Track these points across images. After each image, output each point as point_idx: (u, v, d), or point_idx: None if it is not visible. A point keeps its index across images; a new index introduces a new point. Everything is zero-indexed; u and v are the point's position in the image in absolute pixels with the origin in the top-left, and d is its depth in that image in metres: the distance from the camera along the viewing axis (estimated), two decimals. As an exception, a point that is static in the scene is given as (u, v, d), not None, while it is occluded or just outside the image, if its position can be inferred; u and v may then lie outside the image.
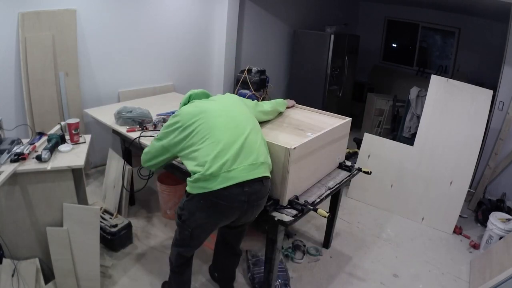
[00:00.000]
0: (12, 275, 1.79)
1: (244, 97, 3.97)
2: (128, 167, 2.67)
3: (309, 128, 2.06)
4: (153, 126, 2.54)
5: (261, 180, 1.61)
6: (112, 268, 2.27)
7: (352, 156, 3.60)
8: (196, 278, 2.26)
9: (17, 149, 1.82)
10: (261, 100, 4.15)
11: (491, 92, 2.93)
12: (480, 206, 3.26)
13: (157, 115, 2.69)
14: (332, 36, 4.61)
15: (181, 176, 2.21)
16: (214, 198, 1.54)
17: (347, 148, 2.39)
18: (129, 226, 2.49)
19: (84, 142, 2.10)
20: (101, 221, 2.38)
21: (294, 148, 1.68)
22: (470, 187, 3.22)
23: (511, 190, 3.30)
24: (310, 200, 1.87)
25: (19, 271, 1.82)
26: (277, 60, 5.25)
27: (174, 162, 2.18)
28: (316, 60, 4.80)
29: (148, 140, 2.35)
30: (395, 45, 6.49)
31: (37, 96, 2.89)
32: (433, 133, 3.08)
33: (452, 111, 3.02)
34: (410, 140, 3.50)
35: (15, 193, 1.79)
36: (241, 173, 1.54)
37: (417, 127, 3.31)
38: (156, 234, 2.67)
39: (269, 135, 1.89)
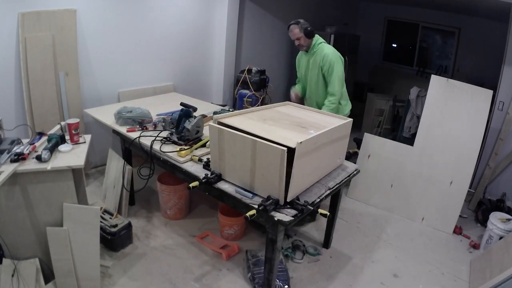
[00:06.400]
0: (12, 275, 1.79)
1: (244, 97, 4.06)
2: (128, 167, 2.67)
3: (311, 126, 2.04)
4: (153, 126, 2.54)
5: None
6: (112, 268, 2.27)
7: (352, 156, 3.60)
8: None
9: (17, 149, 1.83)
10: (261, 100, 4.15)
11: (491, 92, 2.93)
12: (480, 206, 3.26)
13: (157, 115, 2.69)
14: (332, 36, 4.62)
15: (181, 176, 2.21)
16: None
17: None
18: (129, 226, 2.49)
19: (84, 142, 2.10)
20: (101, 221, 2.37)
21: (301, 142, 1.63)
22: (470, 187, 3.21)
23: (511, 190, 3.30)
24: (310, 200, 1.87)
25: (19, 271, 1.82)
26: (277, 60, 5.25)
27: (173, 161, 2.18)
28: (316, 60, 4.80)
29: (148, 140, 2.35)
30: (395, 45, 6.50)
31: (37, 96, 2.89)
32: (433, 133, 3.07)
33: (452, 111, 3.02)
34: (410, 140, 3.50)
35: (15, 193, 1.79)
36: None
37: (417, 127, 3.31)
38: (156, 234, 2.67)
39: (270, 131, 1.86)
